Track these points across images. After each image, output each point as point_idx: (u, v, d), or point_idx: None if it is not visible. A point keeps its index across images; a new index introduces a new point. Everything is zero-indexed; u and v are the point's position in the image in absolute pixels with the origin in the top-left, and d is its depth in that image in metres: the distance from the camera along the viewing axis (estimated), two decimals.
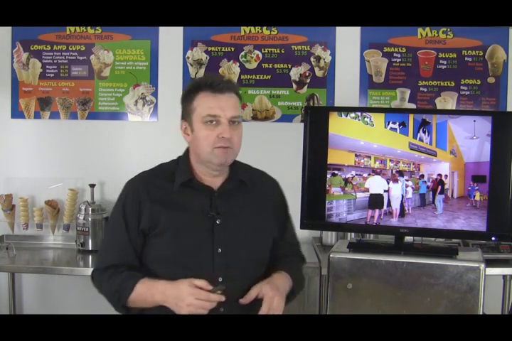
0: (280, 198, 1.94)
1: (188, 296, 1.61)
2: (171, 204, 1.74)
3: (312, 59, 3.08)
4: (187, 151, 1.83)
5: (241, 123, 1.77)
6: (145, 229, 1.75)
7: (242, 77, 3.09)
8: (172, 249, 1.73)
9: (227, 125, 1.71)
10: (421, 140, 2.28)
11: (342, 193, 2.32)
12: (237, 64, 3.09)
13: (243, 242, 1.78)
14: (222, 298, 1.63)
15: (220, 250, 1.73)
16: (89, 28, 3.09)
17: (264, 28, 3.07)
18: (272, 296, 1.70)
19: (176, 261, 1.72)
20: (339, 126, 2.31)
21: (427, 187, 2.28)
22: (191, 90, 1.75)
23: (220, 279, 1.72)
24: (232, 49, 3.09)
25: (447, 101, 3.05)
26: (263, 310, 1.68)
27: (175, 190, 1.75)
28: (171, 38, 3.10)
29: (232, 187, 1.80)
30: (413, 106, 3.06)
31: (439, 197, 2.26)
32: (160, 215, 1.73)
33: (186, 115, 1.77)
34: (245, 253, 1.77)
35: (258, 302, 1.72)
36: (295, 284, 1.85)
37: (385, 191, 2.30)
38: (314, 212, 2.30)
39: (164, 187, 1.77)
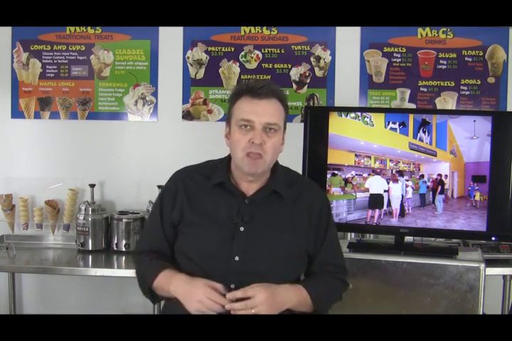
0: (321, 214, 1.81)
1: (200, 293, 1.62)
2: (200, 203, 1.76)
3: (312, 59, 3.08)
4: (230, 154, 1.81)
5: (279, 131, 1.72)
6: (175, 221, 1.78)
7: (242, 77, 3.09)
8: (191, 248, 1.74)
9: (261, 131, 1.67)
10: (421, 140, 2.28)
11: (342, 193, 2.32)
12: (237, 64, 3.09)
13: (264, 254, 1.71)
14: (235, 306, 1.60)
15: (237, 258, 1.69)
16: (89, 28, 3.09)
17: (264, 28, 3.07)
18: (256, 294, 1.62)
19: (193, 260, 1.73)
20: (339, 126, 2.31)
21: (427, 187, 2.28)
22: (234, 94, 1.74)
23: (233, 286, 1.67)
24: (232, 49, 3.09)
25: (447, 101, 3.05)
26: (235, 294, 1.62)
27: (208, 189, 1.75)
28: (171, 38, 3.09)
29: (265, 197, 1.75)
30: (413, 106, 3.05)
31: (439, 197, 2.26)
32: (186, 211, 1.76)
33: (228, 119, 1.76)
34: (264, 265, 1.70)
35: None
36: (317, 303, 1.73)
37: (385, 191, 2.31)
38: None
39: (201, 184, 1.78)
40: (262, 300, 1.61)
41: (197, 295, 1.62)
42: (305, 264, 1.79)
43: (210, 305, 1.61)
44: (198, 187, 1.77)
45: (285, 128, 1.77)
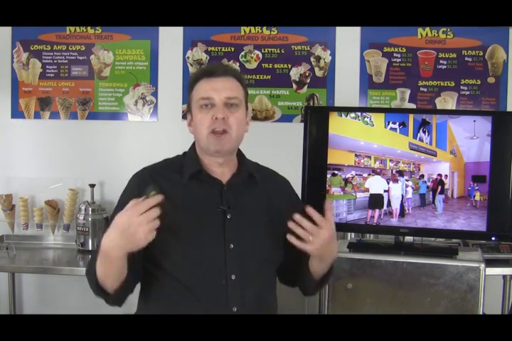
0: (294, 196, 1.86)
1: (128, 220, 1.46)
2: (181, 198, 1.67)
3: (312, 59, 3.08)
4: (193, 145, 1.78)
5: (241, 106, 1.69)
6: None
7: None
8: (182, 244, 1.65)
9: (222, 106, 1.65)
10: (421, 140, 2.28)
11: (342, 193, 2.32)
12: (237, 64, 3.09)
13: (256, 238, 1.70)
14: (161, 197, 1.49)
15: (232, 246, 1.65)
16: (89, 28, 3.09)
17: (264, 28, 3.07)
18: (324, 229, 1.56)
19: (186, 256, 1.65)
20: (339, 126, 2.31)
21: (427, 187, 2.28)
22: (191, 81, 1.72)
23: (233, 277, 1.64)
24: (232, 49, 3.09)
25: (447, 101, 3.05)
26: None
27: (184, 182, 1.68)
28: (171, 37, 3.10)
29: (242, 181, 1.74)
30: (413, 106, 3.05)
31: (439, 197, 2.26)
32: (168, 209, 1.60)
33: (188, 106, 1.74)
34: (259, 250, 1.69)
35: (274, 303, 1.70)
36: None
37: (385, 191, 2.31)
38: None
39: (173, 179, 1.70)
40: (325, 236, 1.57)
41: (131, 225, 1.44)
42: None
43: (147, 218, 1.46)
44: (171, 182, 1.68)
45: (247, 108, 1.74)
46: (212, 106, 1.66)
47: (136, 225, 1.45)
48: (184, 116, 3.09)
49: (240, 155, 1.79)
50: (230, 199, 1.69)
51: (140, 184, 1.67)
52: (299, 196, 1.90)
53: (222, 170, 1.73)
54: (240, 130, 1.70)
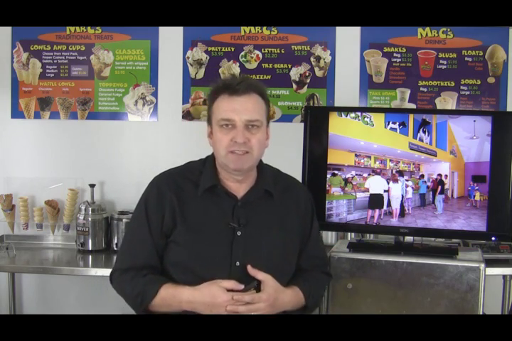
0: (307, 206, 1.86)
1: (224, 303, 1.58)
2: (192, 211, 1.68)
3: (312, 59, 3.08)
4: (213, 154, 1.76)
5: (262, 127, 1.69)
6: (167, 231, 1.68)
7: None
8: (189, 258, 1.67)
9: (242, 129, 1.64)
10: (421, 140, 2.28)
11: (342, 193, 2.32)
12: (237, 64, 3.09)
13: (263, 257, 1.71)
14: (256, 296, 1.61)
15: (238, 263, 1.67)
16: (89, 28, 3.09)
17: (264, 28, 3.07)
18: (262, 298, 1.63)
19: (191, 270, 1.66)
20: (339, 126, 2.31)
21: (427, 187, 2.28)
22: (212, 93, 1.70)
23: None
24: (232, 49, 3.09)
25: (447, 101, 3.05)
26: (243, 298, 1.61)
27: (198, 195, 1.69)
28: (171, 37, 3.10)
29: (257, 197, 1.74)
30: (413, 106, 3.05)
31: (439, 197, 2.26)
32: (179, 221, 1.66)
33: (209, 119, 1.72)
34: (264, 267, 1.69)
35: None
36: (309, 301, 1.77)
37: (385, 191, 2.31)
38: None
39: (188, 190, 1.69)
40: (263, 306, 1.63)
41: (222, 308, 1.58)
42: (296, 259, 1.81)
43: (237, 309, 1.59)
44: (187, 193, 1.69)
45: (268, 122, 1.74)
46: (232, 127, 1.64)
47: (226, 311, 1.58)
48: (185, 117, 3.09)
49: (260, 167, 1.78)
50: (242, 216, 1.69)
51: (157, 190, 1.71)
52: (313, 205, 1.90)
53: (239, 186, 1.73)
54: (261, 149, 1.71)
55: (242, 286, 1.60)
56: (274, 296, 1.65)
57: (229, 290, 1.60)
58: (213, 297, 1.58)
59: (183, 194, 1.69)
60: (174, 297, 1.62)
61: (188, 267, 1.67)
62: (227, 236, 1.67)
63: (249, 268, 1.65)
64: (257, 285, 1.62)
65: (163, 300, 1.63)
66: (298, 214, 1.81)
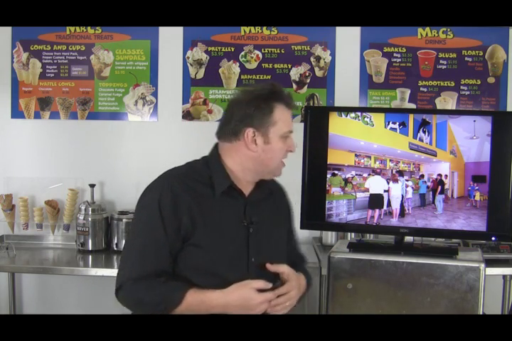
0: (288, 203, 1.94)
1: (259, 305, 1.60)
2: (210, 212, 1.67)
3: (312, 59, 3.08)
4: (217, 154, 1.74)
5: None
6: (186, 235, 1.64)
7: (242, 77, 3.09)
8: (209, 259, 1.66)
9: (292, 139, 1.75)
10: (421, 140, 2.28)
11: (342, 193, 2.32)
12: (237, 64, 3.09)
13: (271, 252, 1.76)
14: (279, 301, 1.65)
15: (253, 259, 1.70)
16: (89, 28, 3.09)
17: (264, 28, 3.07)
18: (293, 286, 1.70)
19: (213, 272, 1.66)
20: (339, 126, 2.31)
21: (427, 187, 2.28)
22: (268, 99, 1.69)
23: None
24: (232, 49, 3.09)
25: (447, 101, 3.05)
26: (281, 289, 1.66)
27: (216, 198, 1.68)
28: (171, 38, 3.10)
29: (263, 196, 1.79)
30: (413, 106, 3.06)
31: (439, 197, 2.26)
32: (199, 223, 1.65)
33: (261, 124, 1.68)
34: (273, 261, 1.74)
35: None
36: (308, 280, 1.87)
37: (385, 191, 2.30)
38: (314, 212, 2.30)
39: (202, 191, 1.68)
40: (295, 293, 1.70)
41: (257, 308, 1.61)
42: None
43: (269, 307, 1.63)
44: (201, 194, 1.68)
45: None
46: (287, 138, 1.73)
47: (260, 311, 1.61)
48: (185, 117, 3.09)
49: None
50: (253, 214, 1.73)
51: (170, 190, 1.65)
52: (290, 200, 1.97)
53: (247, 185, 1.77)
54: None
55: (270, 285, 1.63)
56: (298, 281, 1.73)
57: (259, 291, 1.63)
58: (247, 299, 1.60)
59: (198, 195, 1.68)
60: (203, 302, 1.60)
61: (210, 269, 1.66)
62: (242, 234, 1.71)
63: (268, 265, 1.71)
64: (282, 282, 1.68)
65: (189, 306, 1.60)
66: (285, 209, 1.90)
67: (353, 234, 2.85)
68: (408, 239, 2.30)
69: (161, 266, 1.63)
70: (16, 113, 3.14)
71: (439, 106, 3.05)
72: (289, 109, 1.72)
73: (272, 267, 1.70)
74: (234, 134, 1.69)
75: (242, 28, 3.07)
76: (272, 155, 1.71)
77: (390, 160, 2.30)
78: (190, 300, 1.59)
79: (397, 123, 2.29)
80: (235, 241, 1.70)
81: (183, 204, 1.64)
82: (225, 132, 1.72)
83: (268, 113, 1.68)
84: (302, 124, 2.36)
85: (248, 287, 1.61)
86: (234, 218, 1.71)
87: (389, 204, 2.30)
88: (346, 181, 2.31)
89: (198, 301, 1.60)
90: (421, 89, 3.06)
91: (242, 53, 3.09)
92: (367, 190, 2.31)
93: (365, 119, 2.31)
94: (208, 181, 1.70)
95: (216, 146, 1.77)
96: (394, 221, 2.29)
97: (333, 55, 3.07)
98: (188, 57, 3.10)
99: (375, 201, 2.30)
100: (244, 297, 1.60)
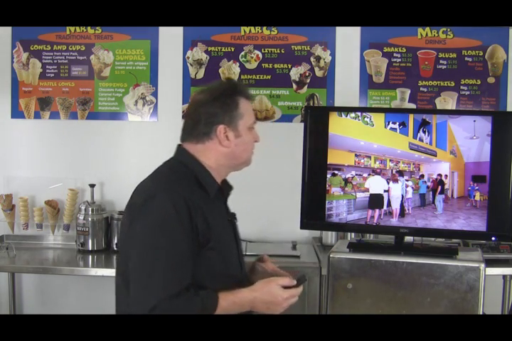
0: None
1: (284, 301, 1.63)
2: (212, 213, 1.66)
3: (312, 59, 3.08)
4: (188, 154, 1.73)
5: None
6: (203, 239, 1.61)
7: (242, 77, 3.09)
8: (220, 260, 1.66)
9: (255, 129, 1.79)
10: (421, 140, 2.28)
11: (342, 193, 2.32)
12: (237, 64, 3.09)
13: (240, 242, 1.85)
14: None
15: (239, 252, 1.80)
16: (89, 28, 3.09)
17: (264, 28, 3.07)
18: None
19: (226, 273, 1.69)
20: (339, 126, 2.31)
21: (427, 187, 2.28)
22: (231, 95, 1.71)
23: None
24: (232, 49, 3.09)
25: (447, 101, 3.05)
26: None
27: (212, 197, 1.69)
28: (171, 38, 3.10)
29: (229, 190, 1.84)
30: (413, 106, 3.05)
31: (439, 197, 2.26)
32: (212, 225, 1.63)
33: (230, 120, 1.70)
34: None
35: None
36: None
37: (385, 191, 2.30)
38: (314, 212, 2.30)
39: (201, 194, 1.67)
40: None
41: (282, 304, 1.64)
42: None
43: (293, 303, 1.66)
44: (201, 196, 1.66)
45: None
46: (253, 129, 1.79)
47: (285, 306, 1.64)
48: (184, 116, 3.09)
49: None
50: (229, 207, 1.81)
51: (183, 199, 1.59)
52: None
53: (221, 182, 1.80)
54: None
55: (295, 282, 1.66)
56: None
57: (285, 287, 1.66)
58: (274, 296, 1.63)
59: (200, 197, 1.67)
60: (235, 303, 1.61)
61: (224, 271, 1.68)
62: (232, 230, 1.78)
63: (265, 257, 1.85)
64: (306, 279, 1.71)
65: (223, 310, 1.58)
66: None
67: (353, 234, 2.85)
68: (408, 239, 2.29)
69: (191, 279, 1.57)
70: (16, 113, 3.14)
71: (439, 106, 3.05)
72: (250, 101, 1.78)
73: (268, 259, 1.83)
74: (206, 134, 1.70)
75: (242, 28, 3.07)
76: (244, 147, 1.75)
77: (390, 160, 2.30)
78: (224, 304, 1.58)
79: (397, 123, 2.29)
80: (230, 238, 1.76)
81: (196, 208, 1.60)
82: (195, 134, 1.71)
83: (234, 107, 1.71)
84: (302, 124, 2.36)
85: (274, 283, 1.64)
86: (224, 216, 1.76)
87: (389, 204, 2.30)
88: (346, 181, 2.31)
89: (231, 303, 1.60)
90: (421, 89, 3.06)
91: (242, 53, 3.09)
92: (367, 190, 2.31)
93: (365, 119, 2.31)
94: (199, 183, 1.69)
95: (184, 149, 1.74)
96: (394, 221, 2.29)
97: (333, 55, 3.07)
98: (188, 57, 3.10)
99: (375, 201, 2.30)
100: (271, 293, 1.63)
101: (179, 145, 1.76)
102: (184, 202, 1.57)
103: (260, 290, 1.63)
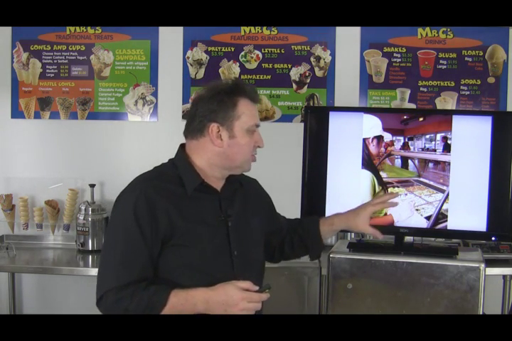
0: (262, 190, 1.98)
1: (240, 301, 1.57)
2: (187, 210, 1.68)
3: (312, 59, 3.08)
4: (184, 154, 1.76)
5: None
6: (165, 238, 1.64)
7: (242, 77, 3.09)
8: (194, 257, 1.66)
9: (259, 134, 1.75)
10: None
11: None
12: (237, 64, 3.09)
13: (251, 243, 1.79)
14: (268, 296, 1.62)
15: (236, 252, 1.72)
16: (89, 28, 3.09)
17: (264, 28, 3.08)
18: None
19: (199, 269, 1.67)
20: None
21: None
22: (231, 94, 1.70)
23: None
24: (232, 49, 3.09)
25: (447, 101, 3.05)
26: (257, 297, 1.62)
27: (189, 194, 1.69)
28: (171, 38, 3.10)
29: (234, 189, 1.80)
30: (413, 106, 3.06)
31: None
32: (178, 222, 1.65)
33: (224, 119, 1.69)
34: (254, 253, 1.80)
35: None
36: None
37: None
38: (314, 212, 2.30)
39: (175, 191, 1.69)
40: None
41: (238, 305, 1.58)
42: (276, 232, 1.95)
43: (253, 308, 1.60)
44: (175, 194, 1.68)
45: None
46: (253, 132, 1.73)
47: (240, 308, 1.58)
48: (185, 117, 3.09)
49: None
50: (228, 208, 1.75)
51: (144, 195, 1.65)
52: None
53: (218, 181, 1.78)
54: None
55: (257, 287, 1.61)
56: None
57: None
58: (229, 295, 1.59)
59: (171, 195, 1.69)
60: (187, 300, 1.60)
61: (195, 266, 1.67)
62: (222, 228, 1.72)
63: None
64: (270, 287, 1.63)
65: (173, 307, 1.59)
66: (262, 202, 1.92)
67: (353, 234, 2.85)
68: (408, 239, 2.29)
69: (143, 273, 1.62)
70: (16, 113, 3.14)
71: (439, 106, 3.05)
72: (253, 103, 1.73)
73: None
74: (199, 131, 1.70)
75: (242, 28, 3.07)
76: (237, 149, 1.71)
77: None
78: (174, 300, 1.59)
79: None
80: (216, 236, 1.71)
81: (159, 207, 1.64)
82: (190, 130, 1.73)
83: (231, 107, 1.69)
84: (302, 124, 2.36)
85: (232, 284, 1.60)
86: (211, 214, 1.72)
87: None
88: None
89: (183, 300, 1.60)
90: (421, 89, 3.06)
91: (242, 53, 3.09)
92: None
93: None
94: (178, 181, 1.71)
95: (183, 147, 1.78)
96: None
97: (333, 55, 3.08)
98: (188, 57, 3.10)
99: None
100: (226, 293, 1.59)
101: (181, 144, 1.80)
102: (145, 202, 1.64)
103: (216, 289, 1.60)
